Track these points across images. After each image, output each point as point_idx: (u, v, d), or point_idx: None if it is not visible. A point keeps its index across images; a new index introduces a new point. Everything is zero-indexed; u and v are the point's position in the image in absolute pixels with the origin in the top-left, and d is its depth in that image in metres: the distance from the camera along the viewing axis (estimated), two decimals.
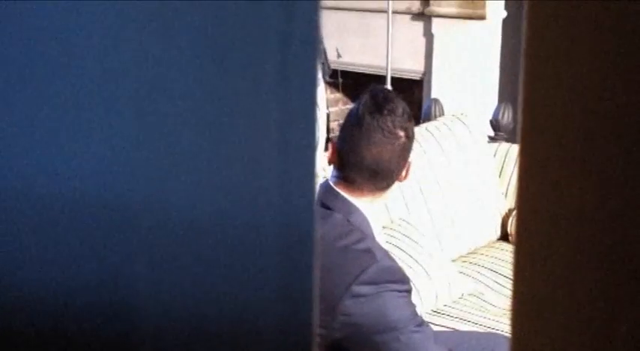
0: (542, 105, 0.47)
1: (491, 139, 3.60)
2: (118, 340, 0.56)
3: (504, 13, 4.67)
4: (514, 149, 3.44)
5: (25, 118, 0.54)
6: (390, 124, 2.08)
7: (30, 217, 0.56)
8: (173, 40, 0.52)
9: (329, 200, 2.07)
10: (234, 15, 0.51)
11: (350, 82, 5.22)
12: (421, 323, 2.01)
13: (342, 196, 2.08)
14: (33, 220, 0.56)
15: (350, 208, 2.07)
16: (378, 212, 2.21)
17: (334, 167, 2.14)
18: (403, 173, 2.14)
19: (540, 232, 0.48)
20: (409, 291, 2.01)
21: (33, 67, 0.54)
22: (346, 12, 5.03)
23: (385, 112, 2.08)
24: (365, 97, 2.11)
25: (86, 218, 0.55)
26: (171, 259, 0.54)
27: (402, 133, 2.09)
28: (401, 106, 2.11)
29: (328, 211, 2.05)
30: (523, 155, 0.48)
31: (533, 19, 0.47)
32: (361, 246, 1.99)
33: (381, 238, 2.18)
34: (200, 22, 0.51)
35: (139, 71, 0.52)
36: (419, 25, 4.90)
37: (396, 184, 2.16)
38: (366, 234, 2.05)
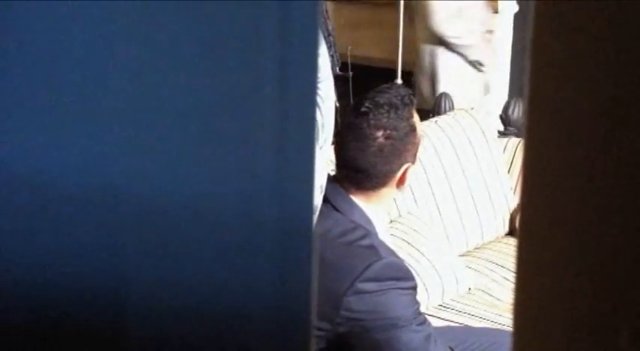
0: (547, 101, 0.47)
1: (501, 134, 3.59)
2: (108, 325, 0.57)
3: (516, 8, 4.65)
4: None
5: (20, 108, 0.55)
6: (364, 124, 2.02)
7: (19, 203, 0.56)
8: (171, 35, 0.52)
9: (332, 196, 2.05)
10: (232, 9, 0.51)
11: (360, 75, 5.20)
12: (423, 322, 2.00)
13: (344, 194, 2.07)
14: (22, 206, 0.56)
15: (351, 206, 2.05)
16: (382, 212, 2.16)
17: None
18: (396, 178, 2.06)
19: (543, 229, 0.48)
20: (414, 288, 2.01)
21: (34, 64, 0.54)
22: (358, 5, 5.02)
23: (363, 110, 2.01)
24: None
25: (82, 206, 0.55)
26: (165, 250, 0.55)
27: (378, 134, 2.02)
28: (387, 106, 2.01)
29: (332, 208, 2.04)
30: (527, 152, 0.48)
31: (540, 17, 0.47)
32: (365, 242, 1.98)
33: (386, 237, 2.16)
34: (199, 15, 0.51)
35: (138, 65, 0.52)
36: None
37: (392, 189, 2.08)
38: (369, 231, 2.04)
